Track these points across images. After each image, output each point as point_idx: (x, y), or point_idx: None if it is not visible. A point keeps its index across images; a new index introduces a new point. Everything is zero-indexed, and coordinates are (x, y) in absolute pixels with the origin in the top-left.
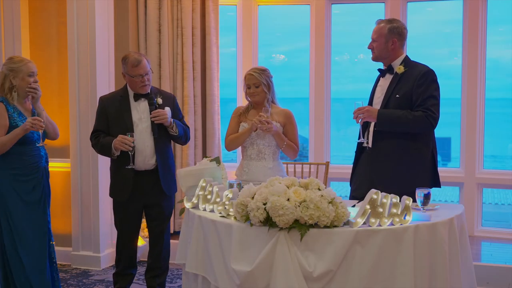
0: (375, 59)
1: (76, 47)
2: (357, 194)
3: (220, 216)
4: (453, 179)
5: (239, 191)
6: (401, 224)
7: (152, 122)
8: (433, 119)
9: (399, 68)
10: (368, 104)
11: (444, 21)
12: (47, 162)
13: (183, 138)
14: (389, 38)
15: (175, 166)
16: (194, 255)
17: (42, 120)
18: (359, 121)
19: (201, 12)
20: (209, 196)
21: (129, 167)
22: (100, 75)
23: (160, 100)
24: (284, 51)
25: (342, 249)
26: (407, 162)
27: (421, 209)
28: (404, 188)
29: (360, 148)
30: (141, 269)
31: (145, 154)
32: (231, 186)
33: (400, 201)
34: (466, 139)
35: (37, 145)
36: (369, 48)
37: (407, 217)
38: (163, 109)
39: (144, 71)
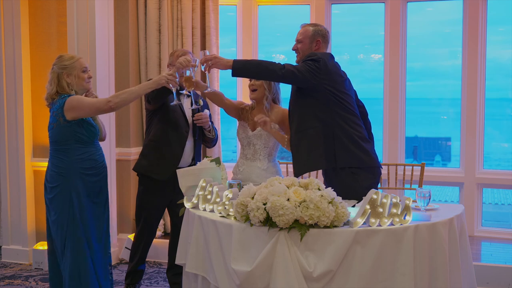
0: (299, 61)
1: (76, 47)
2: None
3: (220, 216)
4: (453, 179)
5: (239, 191)
6: (401, 224)
7: (194, 124)
8: (291, 69)
9: None
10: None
11: (444, 21)
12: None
13: (215, 141)
14: (313, 39)
15: None
16: (194, 255)
17: (176, 78)
18: (207, 69)
19: (201, 12)
20: (209, 196)
21: (173, 104)
22: (100, 75)
23: (201, 102)
24: (284, 51)
25: (342, 249)
26: (303, 143)
27: (421, 209)
28: (301, 170)
29: None
30: (153, 269)
31: (183, 152)
32: (231, 186)
33: (400, 201)
34: (466, 139)
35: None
36: (293, 49)
37: (407, 217)
38: (203, 111)
39: None
